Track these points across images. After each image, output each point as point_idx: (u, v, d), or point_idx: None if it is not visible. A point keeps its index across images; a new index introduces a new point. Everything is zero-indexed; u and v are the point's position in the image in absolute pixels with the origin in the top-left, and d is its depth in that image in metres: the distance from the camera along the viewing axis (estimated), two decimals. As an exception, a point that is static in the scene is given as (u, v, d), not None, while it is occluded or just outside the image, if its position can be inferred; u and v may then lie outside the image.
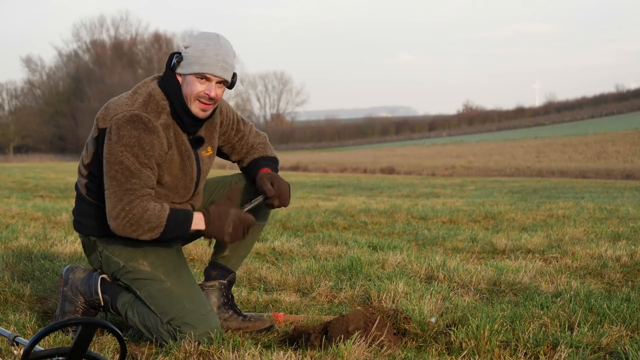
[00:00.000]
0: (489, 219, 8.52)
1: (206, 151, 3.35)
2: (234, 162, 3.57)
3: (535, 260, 5.23)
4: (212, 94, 3.17)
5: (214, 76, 3.15)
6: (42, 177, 25.58)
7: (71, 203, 12.39)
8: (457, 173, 35.03)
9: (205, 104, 3.19)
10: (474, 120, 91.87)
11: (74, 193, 3.41)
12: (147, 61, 73.33)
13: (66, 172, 33.19)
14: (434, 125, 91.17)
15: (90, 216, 3.29)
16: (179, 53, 3.21)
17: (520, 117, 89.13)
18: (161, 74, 3.28)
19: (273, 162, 3.51)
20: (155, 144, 3.10)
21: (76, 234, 6.64)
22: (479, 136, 74.45)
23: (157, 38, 74.68)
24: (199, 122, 3.25)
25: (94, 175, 3.23)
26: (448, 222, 8.32)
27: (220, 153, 3.53)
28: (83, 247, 3.39)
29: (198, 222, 3.14)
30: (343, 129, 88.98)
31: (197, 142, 3.30)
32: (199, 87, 3.15)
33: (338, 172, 38.29)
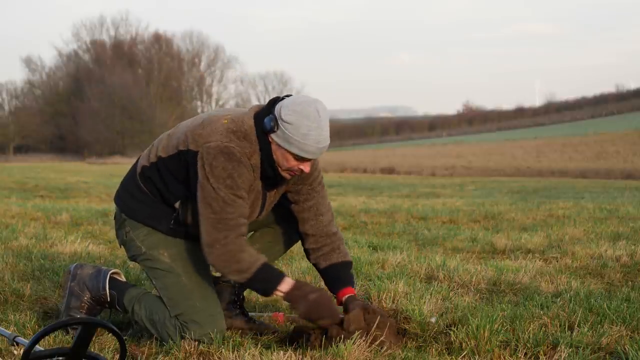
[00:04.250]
0: (489, 219, 8.52)
1: (273, 192, 3.30)
2: (292, 209, 3.39)
3: (535, 260, 5.23)
4: (307, 170, 3.14)
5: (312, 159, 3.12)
6: (42, 177, 25.60)
7: (71, 203, 12.38)
8: (457, 173, 35.06)
9: (295, 173, 3.16)
10: (473, 120, 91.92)
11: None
12: (147, 61, 73.20)
13: (66, 172, 33.21)
14: (434, 125, 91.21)
15: (130, 196, 3.30)
16: (276, 116, 3.05)
17: (520, 117, 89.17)
18: (259, 108, 3.15)
19: (352, 272, 3.40)
20: (245, 175, 3.06)
21: (76, 233, 6.65)
22: (479, 136, 74.48)
23: (157, 38, 74.58)
24: (282, 179, 3.22)
25: (158, 168, 3.20)
26: (448, 222, 8.33)
27: (283, 196, 3.39)
28: (114, 218, 3.41)
29: (284, 288, 3.07)
30: (343, 129, 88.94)
31: (270, 186, 3.24)
32: (294, 162, 3.09)
33: (338, 172, 38.29)
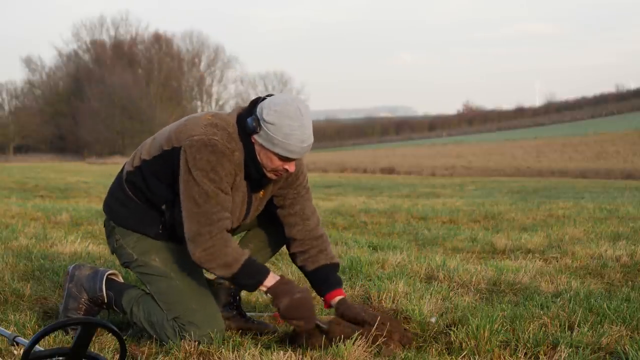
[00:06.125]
0: (489, 219, 8.52)
1: (259, 194, 3.27)
2: (278, 213, 3.35)
3: (535, 260, 5.23)
4: (292, 170, 3.11)
5: (296, 158, 3.09)
6: (42, 177, 25.60)
7: (71, 203, 12.38)
8: (457, 173, 35.04)
9: (281, 174, 3.14)
10: (473, 120, 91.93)
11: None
12: (147, 61, 73.21)
13: (66, 172, 33.21)
14: (434, 125, 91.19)
15: (117, 203, 3.29)
16: (258, 117, 3.02)
17: (520, 117, 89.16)
18: (242, 110, 3.14)
19: (339, 275, 3.35)
20: (229, 169, 3.03)
21: (76, 233, 6.64)
22: (479, 136, 74.48)
23: (157, 38, 74.58)
24: (268, 180, 3.19)
25: (142, 172, 3.19)
26: (448, 222, 8.32)
27: (269, 201, 3.36)
28: (104, 226, 3.39)
29: (269, 283, 3.05)
30: (343, 128, 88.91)
31: (256, 187, 3.23)
32: (278, 163, 3.06)
33: (338, 172, 38.28)
